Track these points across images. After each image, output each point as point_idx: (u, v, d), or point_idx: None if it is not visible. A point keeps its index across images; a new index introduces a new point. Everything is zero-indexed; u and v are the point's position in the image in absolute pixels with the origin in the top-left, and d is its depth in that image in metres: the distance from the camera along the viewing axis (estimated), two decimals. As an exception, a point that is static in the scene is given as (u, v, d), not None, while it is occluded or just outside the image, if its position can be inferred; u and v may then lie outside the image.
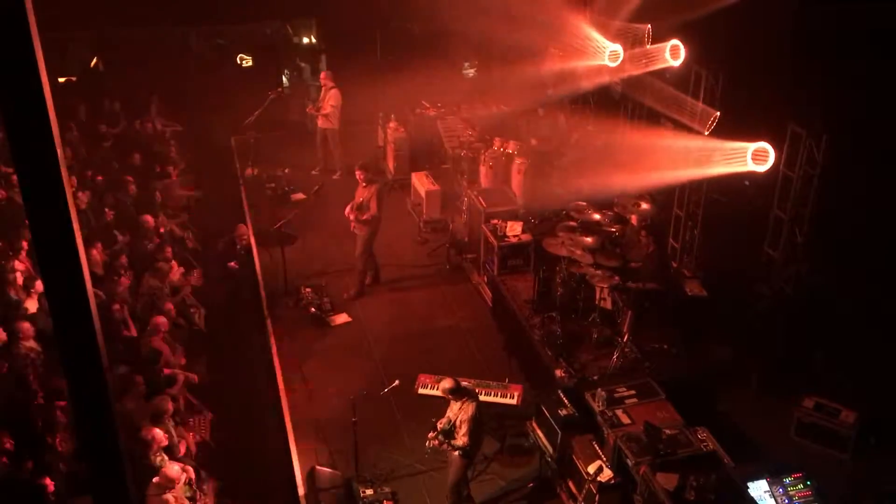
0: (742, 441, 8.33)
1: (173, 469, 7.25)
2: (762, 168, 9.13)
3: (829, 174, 8.67)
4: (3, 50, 1.94)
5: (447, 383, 7.50)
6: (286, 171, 14.09)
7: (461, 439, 7.39)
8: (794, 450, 8.52)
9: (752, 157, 9.15)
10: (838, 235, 9.04)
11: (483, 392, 8.59)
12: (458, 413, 7.45)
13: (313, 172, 14.19)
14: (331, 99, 13.90)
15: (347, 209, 11.01)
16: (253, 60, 17.12)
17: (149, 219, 11.31)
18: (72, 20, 14.34)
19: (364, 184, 10.95)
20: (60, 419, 7.71)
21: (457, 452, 7.53)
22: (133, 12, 14.84)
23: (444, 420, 7.54)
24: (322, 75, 14.43)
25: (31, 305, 9.41)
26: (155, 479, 7.16)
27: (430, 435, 7.52)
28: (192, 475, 7.56)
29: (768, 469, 7.37)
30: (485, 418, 7.62)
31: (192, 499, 7.39)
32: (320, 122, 14.09)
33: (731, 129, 9.57)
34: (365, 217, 10.89)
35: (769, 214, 9.44)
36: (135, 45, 16.05)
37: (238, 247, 11.68)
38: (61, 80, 15.98)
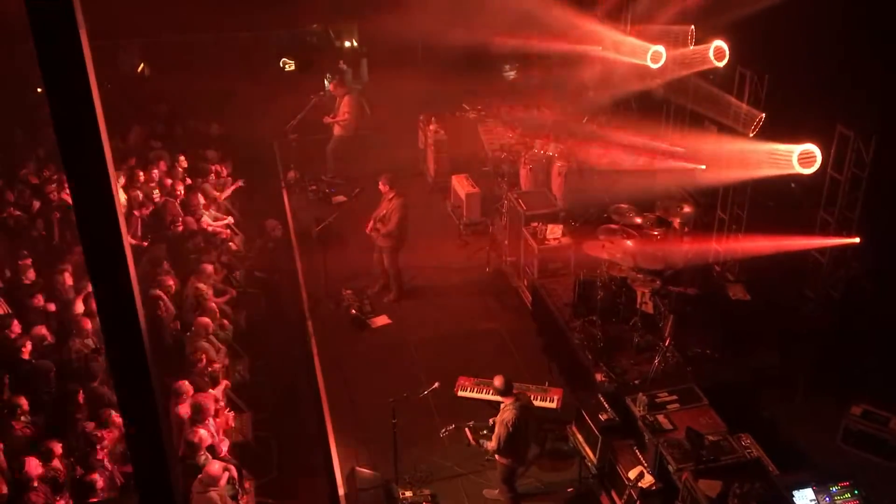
0: (787, 448, 8.17)
1: (216, 467, 7.37)
2: (809, 170, 8.96)
3: (877, 176, 8.48)
4: (54, 57, 1.99)
5: (497, 380, 7.54)
6: (328, 174, 14.22)
7: (492, 442, 7.41)
8: (841, 458, 8.35)
9: (799, 159, 8.99)
10: (887, 239, 8.83)
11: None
12: (499, 415, 7.47)
13: (323, 178, 14.21)
14: (345, 106, 13.94)
15: (371, 223, 11.02)
16: (296, 65, 17.30)
17: (192, 221, 11.51)
18: (121, 28, 14.68)
19: (389, 197, 10.94)
20: (110, 419, 7.89)
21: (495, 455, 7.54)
22: (179, 20, 15.13)
23: (493, 419, 7.60)
24: (331, 86, 14.54)
25: (79, 307, 9.65)
26: (200, 477, 7.28)
27: (467, 428, 7.54)
28: (235, 474, 7.66)
29: (814, 477, 7.22)
30: (526, 427, 7.54)
31: (234, 497, 7.50)
32: (336, 131, 14.14)
33: (776, 130, 9.41)
34: (384, 231, 10.89)
35: (815, 217, 9.26)
36: (181, 50, 16.36)
37: (271, 243, 11.88)
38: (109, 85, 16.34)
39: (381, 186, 11.01)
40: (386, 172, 11.27)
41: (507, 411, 7.40)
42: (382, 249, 11.10)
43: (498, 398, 7.62)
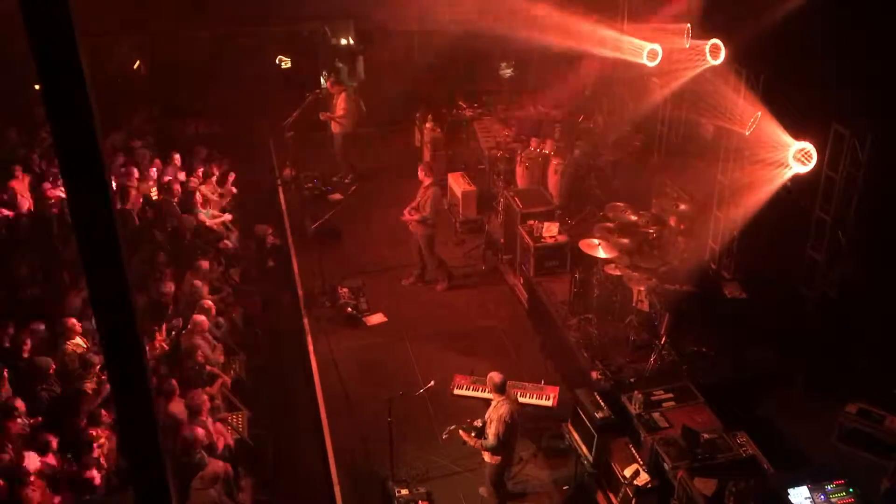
0: (782, 446, 8.19)
1: (216, 465, 7.36)
2: (805, 169, 8.98)
3: (873, 175, 8.49)
4: (47, 52, 1.99)
5: (496, 376, 7.54)
6: (323, 172, 14.20)
7: (489, 438, 7.39)
8: (837, 456, 8.37)
9: (795, 157, 9.00)
10: (883, 237, 8.85)
11: (519, 393, 8.58)
12: (491, 412, 7.47)
13: (346, 181, 14.21)
14: (342, 102, 13.94)
15: (407, 210, 11.14)
16: (292, 62, 17.27)
17: (190, 219, 11.47)
18: (117, 24, 14.65)
19: (426, 184, 11.05)
20: (104, 415, 7.88)
21: (486, 455, 7.53)
22: (175, 17, 15.09)
23: (480, 420, 7.57)
24: (328, 83, 14.54)
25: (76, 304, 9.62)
26: (199, 474, 7.27)
27: (461, 430, 7.55)
28: (231, 471, 7.65)
29: (809, 475, 7.22)
30: (518, 422, 7.59)
31: (230, 494, 7.49)
32: (334, 129, 14.13)
33: (772, 129, 9.41)
34: (416, 217, 11.00)
35: (811, 216, 9.28)
36: (177, 47, 16.31)
37: (268, 245, 11.86)
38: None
39: (420, 174, 11.15)
40: (427, 161, 11.34)
41: (502, 406, 7.42)
42: (418, 237, 11.19)
43: (492, 396, 7.61)
